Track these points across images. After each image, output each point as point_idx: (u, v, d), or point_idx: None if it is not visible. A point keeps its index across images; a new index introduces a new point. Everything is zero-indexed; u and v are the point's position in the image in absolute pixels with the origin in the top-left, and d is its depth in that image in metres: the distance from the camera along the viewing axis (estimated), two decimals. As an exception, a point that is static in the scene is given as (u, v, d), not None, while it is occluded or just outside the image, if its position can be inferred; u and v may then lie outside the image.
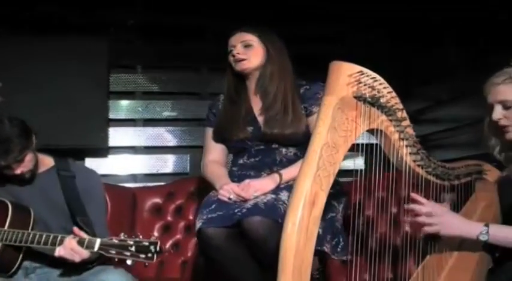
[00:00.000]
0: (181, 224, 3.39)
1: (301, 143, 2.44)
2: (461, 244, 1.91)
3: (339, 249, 2.33)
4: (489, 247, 1.89)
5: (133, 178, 3.83)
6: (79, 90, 3.50)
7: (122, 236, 2.11)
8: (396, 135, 1.84)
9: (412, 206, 1.84)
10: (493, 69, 2.12)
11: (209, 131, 2.68)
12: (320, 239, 2.27)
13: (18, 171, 2.34)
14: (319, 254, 2.30)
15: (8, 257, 2.31)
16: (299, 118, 2.45)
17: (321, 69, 2.59)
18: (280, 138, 2.45)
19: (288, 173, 2.36)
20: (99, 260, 2.27)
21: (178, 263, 3.26)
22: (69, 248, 2.14)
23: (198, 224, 2.26)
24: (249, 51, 2.55)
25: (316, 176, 1.63)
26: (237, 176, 2.49)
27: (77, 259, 2.15)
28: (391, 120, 1.82)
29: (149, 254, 2.05)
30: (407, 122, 1.84)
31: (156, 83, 3.94)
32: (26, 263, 2.38)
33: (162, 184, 3.63)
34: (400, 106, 1.83)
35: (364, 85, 1.76)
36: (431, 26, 3.72)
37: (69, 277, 2.35)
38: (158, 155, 3.89)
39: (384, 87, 1.79)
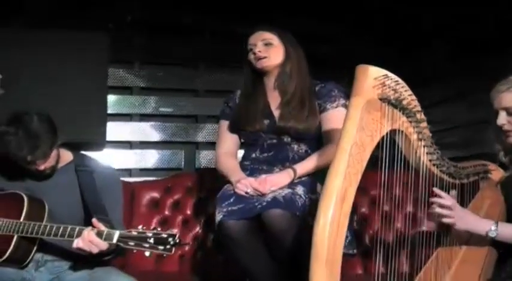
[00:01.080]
0: (179, 218, 3.45)
1: (312, 138, 2.55)
2: (470, 238, 2.02)
3: (346, 243, 2.42)
4: (495, 243, 2.01)
5: (128, 172, 3.89)
6: (78, 84, 3.52)
7: (140, 228, 2.13)
8: (415, 136, 1.94)
9: (436, 198, 1.95)
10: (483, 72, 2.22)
11: (224, 124, 2.75)
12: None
13: (42, 167, 2.35)
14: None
15: (22, 250, 2.32)
16: (314, 114, 2.55)
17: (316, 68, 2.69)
18: (294, 131, 2.53)
19: (301, 168, 2.44)
20: (115, 252, 2.29)
21: (176, 257, 3.31)
22: (88, 240, 2.15)
23: (219, 217, 2.32)
24: (270, 50, 2.62)
25: (346, 173, 1.72)
26: (249, 169, 2.57)
27: (94, 250, 2.16)
28: (410, 122, 1.92)
29: (168, 246, 2.06)
30: (425, 124, 1.94)
31: (153, 79, 4.00)
32: (38, 256, 2.39)
33: (160, 178, 3.68)
34: (419, 108, 1.93)
35: (388, 88, 1.85)
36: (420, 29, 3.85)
37: (81, 271, 2.38)
38: (153, 150, 3.94)
39: (405, 90, 1.89)
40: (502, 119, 2.05)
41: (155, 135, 3.96)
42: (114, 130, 3.79)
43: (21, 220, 2.31)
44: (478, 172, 2.13)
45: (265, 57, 2.62)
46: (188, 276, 3.19)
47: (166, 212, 3.46)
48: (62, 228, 2.24)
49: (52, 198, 2.39)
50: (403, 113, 1.89)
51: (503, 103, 2.05)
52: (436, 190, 1.96)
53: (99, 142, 3.59)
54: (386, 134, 1.86)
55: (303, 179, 2.41)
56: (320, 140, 2.57)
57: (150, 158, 3.93)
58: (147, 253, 2.10)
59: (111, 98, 3.82)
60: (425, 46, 3.96)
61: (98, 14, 3.71)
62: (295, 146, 2.56)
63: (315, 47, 3.92)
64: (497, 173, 2.17)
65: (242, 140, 2.73)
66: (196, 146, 4.07)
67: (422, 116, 1.94)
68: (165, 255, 2.10)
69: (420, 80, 3.81)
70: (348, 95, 2.57)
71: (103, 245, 2.16)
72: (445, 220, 1.96)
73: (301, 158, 2.52)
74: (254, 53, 2.64)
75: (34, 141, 2.27)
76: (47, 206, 2.37)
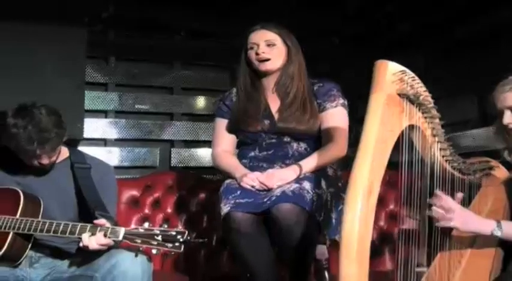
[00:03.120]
0: (159, 216, 3.42)
1: (312, 137, 2.54)
2: (476, 236, 2.05)
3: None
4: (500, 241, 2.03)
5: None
6: (56, 80, 3.42)
7: (147, 225, 2.10)
8: (429, 132, 1.96)
9: (435, 200, 1.96)
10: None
11: (221, 122, 2.71)
12: (333, 229, 2.38)
13: (46, 161, 2.29)
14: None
15: (17, 247, 2.24)
16: (316, 116, 2.54)
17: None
18: (296, 132, 2.53)
19: (306, 164, 2.44)
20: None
21: (158, 256, 3.24)
22: (95, 241, 2.10)
23: (226, 209, 2.31)
24: (273, 51, 2.58)
25: (371, 167, 1.72)
26: (248, 167, 2.54)
27: (103, 249, 2.13)
28: (425, 118, 1.94)
29: (176, 244, 2.03)
30: (438, 120, 1.97)
31: (129, 75, 3.92)
32: (31, 252, 2.32)
33: (139, 176, 3.63)
34: (433, 105, 1.95)
35: (406, 84, 1.86)
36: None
37: (77, 266, 2.30)
38: (128, 147, 3.87)
39: (421, 87, 1.91)
40: (508, 118, 2.08)
41: (130, 133, 3.88)
42: (89, 127, 3.69)
43: (17, 216, 2.23)
44: (483, 168, 2.17)
45: (268, 60, 2.57)
46: (171, 274, 3.16)
47: (147, 211, 3.42)
48: (62, 225, 2.17)
49: (46, 194, 2.33)
50: (419, 109, 1.91)
51: (508, 102, 2.08)
52: (438, 192, 1.97)
53: (77, 138, 3.49)
54: (405, 128, 1.87)
55: (308, 175, 2.41)
56: (319, 138, 2.57)
57: (125, 156, 3.86)
58: (154, 251, 2.07)
59: (86, 95, 3.71)
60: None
61: (74, 8, 3.62)
62: (295, 145, 2.56)
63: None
64: (499, 170, 2.21)
65: (238, 139, 2.70)
66: (172, 144, 4.02)
67: (436, 113, 1.96)
68: (173, 253, 2.08)
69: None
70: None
71: (108, 242, 2.12)
72: (443, 224, 1.95)
73: (301, 155, 2.52)
74: (257, 54, 2.58)
75: (44, 134, 2.22)
76: (42, 203, 2.30)
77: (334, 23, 4.05)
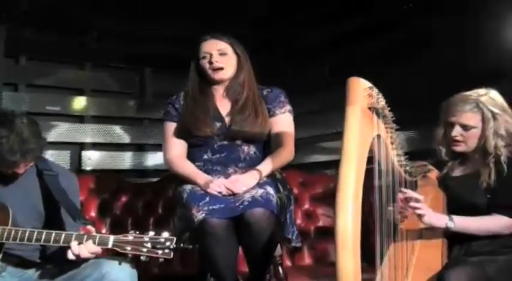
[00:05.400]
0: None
1: (261, 141, 2.71)
2: (423, 229, 2.36)
3: (294, 237, 2.65)
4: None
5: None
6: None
7: (134, 232, 2.11)
8: (389, 140, 2.23)
9: (411, 194, 2.27)
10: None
11: (170, 126, 2.76)
12: (286, 228, 2.59)
13: (22, 170, 2.25)
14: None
15: None
16: (267, 119, 2.70)
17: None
18: (248, 136, 2.66)
19: (264, 169, 2.60)
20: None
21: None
22: (86, 250, 2.09)
23: (200, 215, 2.40)
24: (225, 60, 2.70)
25: (356, 172, 1.95)
26: (203, 171, 2.64)
27: (91, 257, 2.12)
28: (386, 128, 2.21)
29: (166, 250, 2.06)
30: (394, 130, 2.25)
31: (40, 75, 3.85)
32: None
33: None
34: (391, 116, 2.22)
35: (374, 98, 2.12)
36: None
37: (52, 276, 2.27)
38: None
39: (383, 100, 2.17)
40: (457, 131, 2.40)
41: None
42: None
43: None
44: (424, 171, 2.49)
45: (222, 68, 2.69)
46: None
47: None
48: (45, 233, 2.15)
49: (13, 201, 2.27)
50: (383, 121, 2.17)
51: (464, 120, 2.39)
52: (405, 189, 2.28)
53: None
54: (375, 137, 2.12)
55: (266, 180, 2.57)
56: (265, 142, 2.74)
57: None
58: (142, 257, 2.09)
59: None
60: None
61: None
62: (246, 148, 2.69)
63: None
64: (433, 172, 2.55)
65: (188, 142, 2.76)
66: (82, 147, 4.00)
67: (393, 124, 2.24)
68: (162, 259, 2.09)
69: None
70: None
71: (97, 250, 2.12)
72: (418, 212, 2.26)
73: (252, 159, 2.68)
74: (210, 62, 2.69)
75: (26, 145, 2.18)
76: (10, 211, 2.25)
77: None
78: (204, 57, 2.72)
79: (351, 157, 1.97)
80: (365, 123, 2.07)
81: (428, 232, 2.36)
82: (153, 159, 4.35)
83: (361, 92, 2.09)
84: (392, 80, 3.23)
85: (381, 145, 2.21)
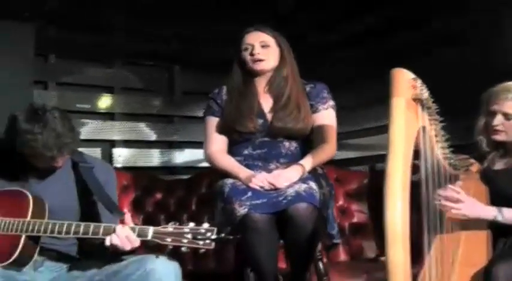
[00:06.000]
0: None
1: (303, 137, 2.67)
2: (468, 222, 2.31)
3: (335, 233, 2.63)
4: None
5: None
6: (3, 78, 3.32)
7: (173, 223, 2.10)
8: (433, 132, 2.19)
9: (447, 193, 2.22)
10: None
11: (212, 121, 2.74)
12: (329, 224, 2.57)
13: (60, 163, 2.24)
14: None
15: (28, 250, 2.16)
16: (310, 115, 2.66)
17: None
18: (291, 132, 2.63)
19: (307, 164, 2.57)
20: (134, 253, 2.18)
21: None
22: (124, 236, 2.06)
23: (243, 210, 2.39)
24: (267, 52, 2.67)
25: (404, 164, 1.92)
26: (243, 165, 2.62)
27: (128, 247, 2.08)
28: (430, 120, 2.17)
29: (207, 241, 2.03)
30: (439, 122, 2.21)
31: (70, 74, 3.86)
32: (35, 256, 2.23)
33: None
34: (435, 108, 2.18)
35: (418, 89, 2.08)
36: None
37: (83, 270, 2.26)
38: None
39: (426, 92, 2.14)
40: (498, 121, 2.38)
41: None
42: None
43: (28, 218, 2.17)
44: (467, 165, 2.45)
45: (263, 60, 2.66)
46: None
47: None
48: (83, 226, 2.13)
49: (49, 195, 2.26)
50: (427, 113, 2.13)
51: (505, 109, 2.37)
52: (450, 186, 2.25)
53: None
54: (420, 129, 2.09)
55: (309, 175, 2.54)
56: (307, 138, 2.70)
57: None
58: (183, 249, 2.06)
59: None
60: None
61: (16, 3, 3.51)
62: (287, 144, 2.66)
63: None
64: (475, 165, 2.50)
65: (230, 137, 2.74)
66: (112, 144, 4.00)
67: (438, 116, 2.20)
68: (203, 250, 2.06)
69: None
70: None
71: (137, 242, 2.09)
72: (455, 212, 2.22)
73: (293, 154, 2.65)
74: (252, 54, 2.66)
75: (62, 140, 2.15)
76: (47, 204, 2.24)
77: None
78: (246, 49, 2.70)
79: (398, 149, 1.93)
80: (410, 115, 2.04)
81: (473, 225, 2.31)
82: (182, 156, 4.35)
83: (405, 83, 2.06)
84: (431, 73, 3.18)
85: (426, 137, 2.17)
